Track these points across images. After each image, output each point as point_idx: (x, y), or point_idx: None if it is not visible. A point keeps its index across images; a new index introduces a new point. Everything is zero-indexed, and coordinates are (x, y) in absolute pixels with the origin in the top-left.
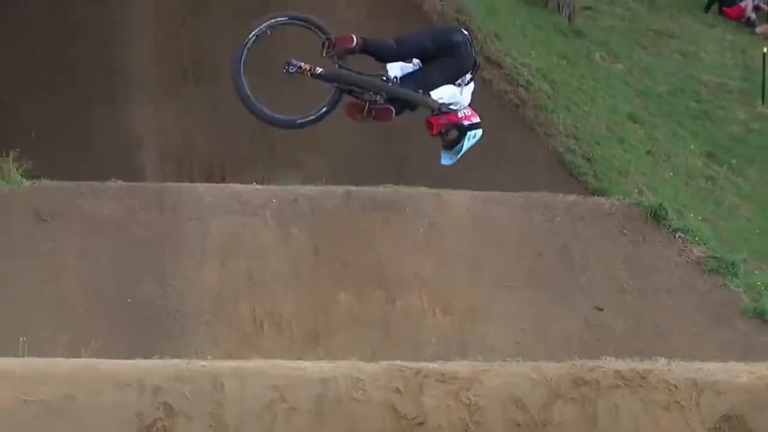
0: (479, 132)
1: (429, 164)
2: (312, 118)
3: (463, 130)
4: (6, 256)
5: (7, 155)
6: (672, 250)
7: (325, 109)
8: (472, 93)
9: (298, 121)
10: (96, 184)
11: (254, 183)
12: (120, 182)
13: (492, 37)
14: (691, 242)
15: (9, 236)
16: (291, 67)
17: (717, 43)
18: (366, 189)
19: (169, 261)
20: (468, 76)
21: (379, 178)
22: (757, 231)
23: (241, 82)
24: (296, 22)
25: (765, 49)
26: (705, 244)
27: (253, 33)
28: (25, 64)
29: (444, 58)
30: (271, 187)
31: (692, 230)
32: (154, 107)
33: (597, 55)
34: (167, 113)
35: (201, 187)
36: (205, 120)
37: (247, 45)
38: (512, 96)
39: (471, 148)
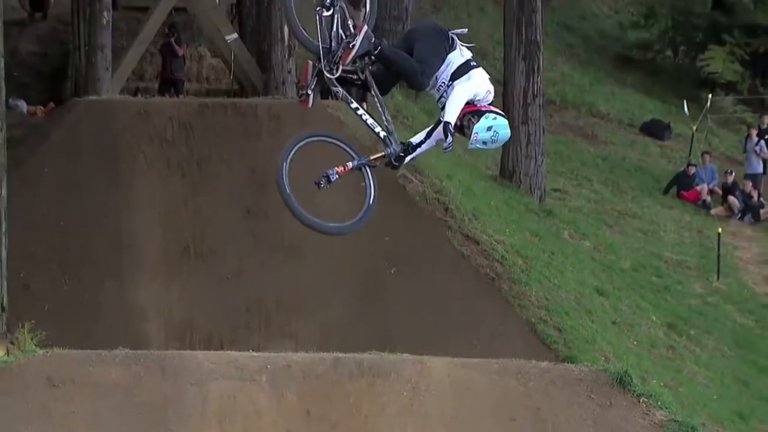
0: (502, 120)
1: (412, 332)
2: (364, 210)
3: (480, 114)
4: (21, 421)
5: (23, 327)
6: (636, 413)
7: (372, 195)
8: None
9: (357, 221)
10: (104, 352)
11: (250, 350)
12: (126, 350)
13: (470, 216)
14: (654, 406)
15: (24, 401)
16: (331, 177)
17: (675, 223)
18: (353, 356)
19: (171, 423)
20: (471, 61)
21: (366, 345)
22: (714, 397)
23: (288, 194)
24: (321, 138)
25: (719, 230)
26: (667, 408)
27: (286, 154)
28: (39, 243)
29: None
30: (266, 354)
31: (655, 395)
32: (158, 281)
33: (566, 233)
34: (170, 287)
35: (201, 354)
36: (205, 293)
37: (287, 161)
38: (488, 270)
39: (494, 139)
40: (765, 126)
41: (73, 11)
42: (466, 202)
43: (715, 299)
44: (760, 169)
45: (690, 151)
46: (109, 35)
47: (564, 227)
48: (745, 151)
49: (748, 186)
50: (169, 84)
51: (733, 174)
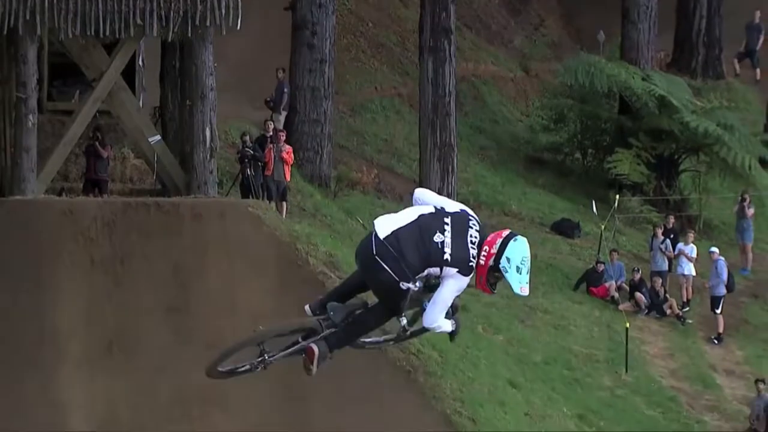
0: (515, 243)
1: (331, 424)
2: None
3: (496, 269)
4: None
5: None
6: None
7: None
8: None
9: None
10: None
11: None
12: None
13: None
14: None
15: None
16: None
17: (585, 318)
18: None
19: None
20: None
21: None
22: None
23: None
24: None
25: (627, 325)
26: None
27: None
28: None
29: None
30: None
31: None
32: (82, 375)
33: (480, 327)
34: (94, 380)
35: None
36: (128, 386)
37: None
38: (405, 363)
39: (525, 258)
40: (670, 225)
41: None
42: None
43: (624, 392)
44: (666, 267)
45: (599, 249)
46: (34, 137)
47: (478, 321)
48: (651, 249)
49: (655, 283)
50: (93, 184)
51: (640, 271)
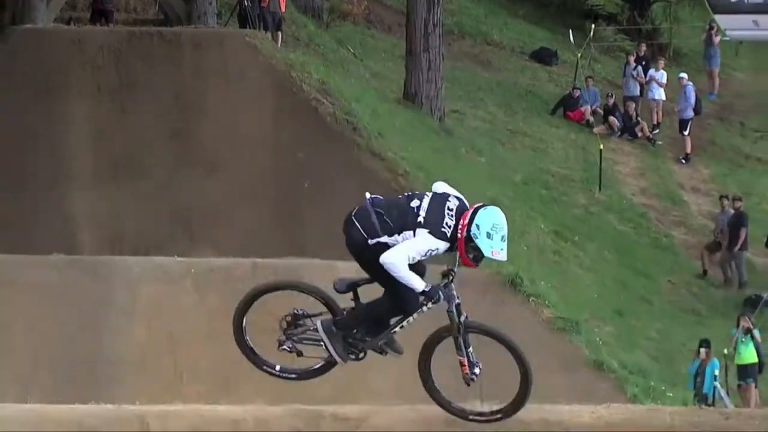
0: (485, 210)
1: (324, 240)
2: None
3: (470, 239)
4: None
5: None
6: (526, 311)
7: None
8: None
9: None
10: (40, 257)
11: (175, 256)
12: (61, 255)
13: (376, 134)
14: (542, 305)
15: None
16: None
17: (561, 140)
18: (270, 261)
19: (103, 322)
20: (409, 233)
21: (282, 252)
22: (596, 296)
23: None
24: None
25: (601, 146)
26: (553, 307)
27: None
28: None
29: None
30: (190, 260)
31: (543, 295)
32: (91, 195)
33: (463, 150)
34: (101, 200)
35: (130, 259)
36: (133, 205)
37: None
38: (393, 183)
39: (497, 225)
40: (642, 53)
41: None
42: (373, 123)
43: (597, 209)
44: (637, 92)
45: (575, 76)
46: None
47: (462, 145)
48: (624, 75)
49: (628, 107)
50: (100, 14)
51: (614, 96)
